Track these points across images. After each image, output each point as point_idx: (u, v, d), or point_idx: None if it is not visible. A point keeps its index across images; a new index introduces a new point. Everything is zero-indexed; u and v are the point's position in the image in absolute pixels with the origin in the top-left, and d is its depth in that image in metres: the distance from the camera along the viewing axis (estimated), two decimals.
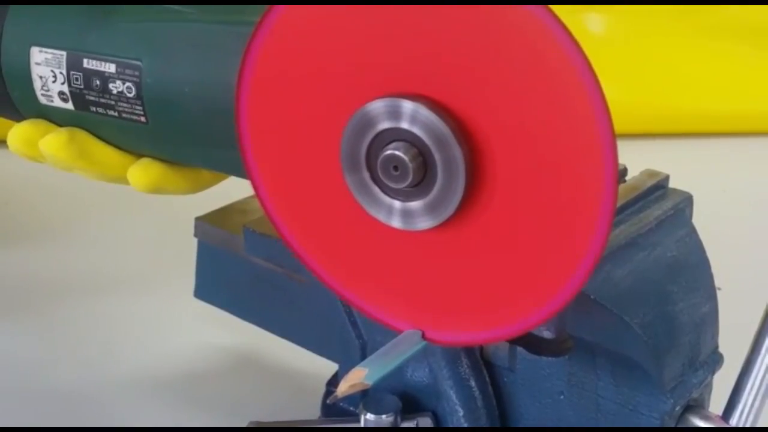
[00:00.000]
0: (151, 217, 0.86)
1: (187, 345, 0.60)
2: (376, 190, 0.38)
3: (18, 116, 0.53)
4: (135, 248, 0.84)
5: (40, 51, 0.50)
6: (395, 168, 0.36)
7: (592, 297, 0.42)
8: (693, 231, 0.48)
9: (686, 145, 0.99)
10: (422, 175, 0.36)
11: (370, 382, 0.38)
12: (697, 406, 0.45)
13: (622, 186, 0.48)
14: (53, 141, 0.49)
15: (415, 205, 0.37)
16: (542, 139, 0.34)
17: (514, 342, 0.47)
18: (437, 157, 0.35)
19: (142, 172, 0.49)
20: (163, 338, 0.61)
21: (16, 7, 0.51)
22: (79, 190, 0.86)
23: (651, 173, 0.50)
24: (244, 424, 0.53)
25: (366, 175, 0.38)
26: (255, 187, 0.42)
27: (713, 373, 0.46)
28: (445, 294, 0.39)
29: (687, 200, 0.49)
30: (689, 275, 0.46)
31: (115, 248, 0.84)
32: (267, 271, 0.58)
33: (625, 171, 0.50)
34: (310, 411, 0.56)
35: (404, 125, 0.36)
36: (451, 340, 0.40)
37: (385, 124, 0.36)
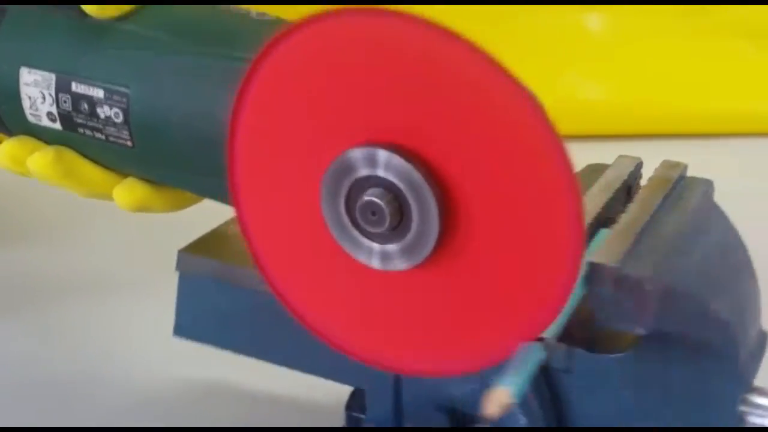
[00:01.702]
0: (149, 219, 0.83)
1: (187, 345, 0.58)
2: (356, 233, 0.39)
3: (7, 132, 0.52)
4: (133, 249, 0.83)
5: (29, 72, 0.50)
6: (373, 213, 0.38)
7: (678, 289, 0.42)
8: (724, 214, 0.49)
9: (687, 145, 1.02)
10: (399, 219, 0.38)
11: (514, 400, 0.37)
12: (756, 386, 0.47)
13: (654, 179, 0.49)
14: (40, 159, 0.50)
15: (393, 247, 0.39)
16: (509, 181, 0.37)
17: (573, 343, 0.47)
18: (411, 201, 0.37)
19: (127, 192, 0.51)
20: (162, 339, 0.59)
21: (7, 28, 0.51)
22: (69, 199, 0.85)
23: (671, 164, 0.51)
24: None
25: (345, 218, 0.39)
26: (240, 220, 0.43)
27: (765, 351, 0.48)
28: (424, 329, 0.41)
29: (710, 186, 0.50)
30: (735, 257, 0.47)
31: (113, 249, 0.84)
32: (269, 300, 0.55)
33: (641, 164, 0.51)
34: None
35: (380, 173, 0.37)
36: (431, 372, 0.42)
37: (363, 171, 0.38)
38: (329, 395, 0.58)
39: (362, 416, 0.54)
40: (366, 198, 0.38)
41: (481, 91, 0.35)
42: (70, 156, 0.51)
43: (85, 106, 0.49)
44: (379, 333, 0.42)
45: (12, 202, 0.92)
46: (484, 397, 0.48)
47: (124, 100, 0.48)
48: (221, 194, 0.46)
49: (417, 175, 0.37)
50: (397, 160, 0.37)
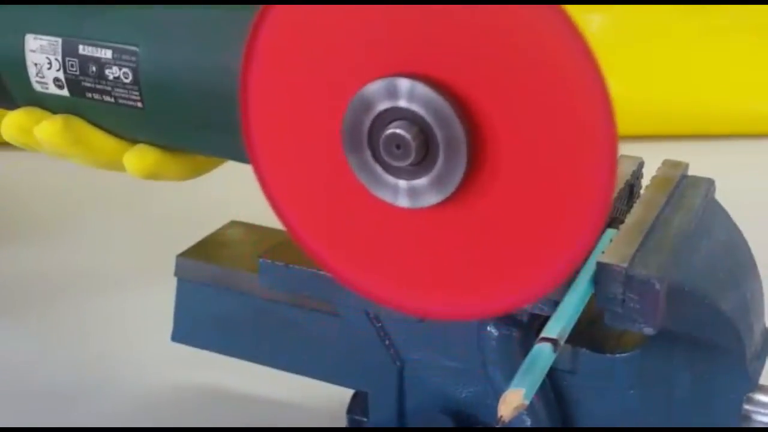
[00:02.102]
0: (146, 215, 0.86)
1: (185, 350, 0.59)
2: (379, 169, 0.38)
3: (11, 105, 0.51)
4: (131, 251, 0.83)
5: (35, 38, 0.49)
6: (397, 146, 0.37)
7: (686, 288, 0.42)
8: (727, 214, 0.49)
9: (687, 146, 1.02)
10: (424, 153, 0.37)
11: (527, 401, 0.36)
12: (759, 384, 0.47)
13: (657, 179, 0.49)
14: (48, 127, 0.49)
15: (418, 182, 0.38)
16: (542, 113, 0.35)
17: (579, 343, 0.47)
18: (438, 132, 0.36)
19: (137, 157, 0.49)
20: (160, 343, 0.60)
21: None
22: (72, 188, 0.89)
23: (673, 164, 0.51)
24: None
25: (368, 154, 0.38)
26: (258, 173, 0.42)
27: None
28: (451, 269, 0.40)
29: (712, 185, 0.50)
30: (740, 256, 0.47)
31: (110, 251, 0.83)
32: (269, 305, 0.55)
33: (642, 164, 0.51)
34: None
35: (403, 104, 0.36)
36: (457, 314, 0.41)
37: (385, 103, 0.37)
38: (330, 399, 0.58)
39: (365, 419, 0.53)
40: (390, 131, 0.37)
41: (517, 20, 0.34)
42: (79, 123, 0.49)
43: (93, 68, 0.48)
44: (405, 275, 0.41)
45: (8, 203, 0.91)
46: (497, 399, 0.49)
47: (133, 58, 0.47)
48: (234, 152, 0.46)
49: (444, 104, 0.35)
50: (423, 89, 0.36)
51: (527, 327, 0.46)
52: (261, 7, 0.38)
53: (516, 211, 0.37)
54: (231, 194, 0.70)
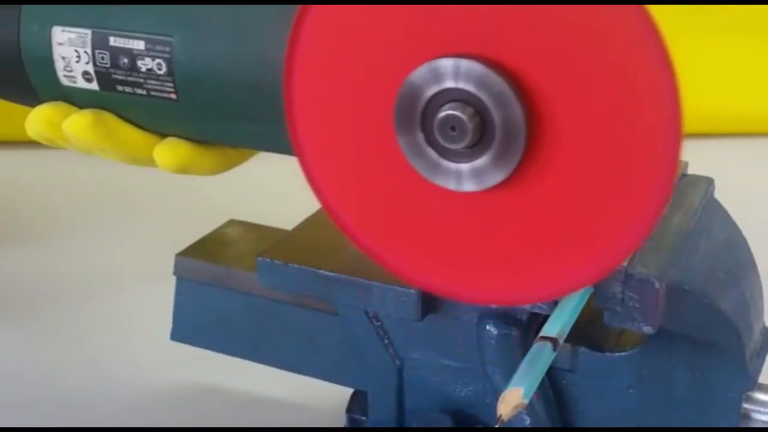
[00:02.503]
0: (144, 214, 0.85)
1: (185, 349, 0.59)
2: (431, 152, 0.37)
3: (35, 101, 0.50)
4: (128, 245, 0.83)
5: (63, 30, 0.48)
6: (452, 128, 0.36)
7: (686, 287, 0.42)
8: (727, 213, 0.49)
9: (687, 144, 1.02)
10: (480, 134, 0.36)
11: (527, 400, 0.36)
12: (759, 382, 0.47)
13: None
14: (79, 122, 0.48)
15: (474, 165, 0.37)
16: (605, 91, 0.35)
17: (578, 342, 0.47)
18: (494, 112, 0.35)
19: (169, 151, 0.48)
20: (159, 343, 0.60)
21: None
22: (69, 187, 0.89)
23: None
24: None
25: (421, 137, 0.37)
26: (301, 160, 0.41)
27: None
28: (503, 253, 0.39)
29: (711, 183, 0.50)
30: (739, 255, 0.47)
31: (109, 245, 0.83)
32: (268, 304, 0.55)
33: None
34: None
35: (458, 84, 0.35)
36: (512, 300, 0.41)
37: (438, 85, 0.36)
38: (329, 398, 0.58)
39: (364, 418, 0.53)
40: (444, 113, 0.36)
41: (593, 9, 0.33)
42: (109, 117, 0.48)
43: (125, 60, 0.46)
44: (458, 261, 0.40)
45: (5, 206, 0.91)
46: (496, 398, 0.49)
47: (167, 49, 0.45)
48: (275, 143, 0.45)
49: (500, 82, 0.35)
50: (478, 68, 0.35)
51: (526, 326, 0.46)
52: None
53: (575, 193, 0.37)
54: (230, 193, 0.70)
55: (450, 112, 0.36)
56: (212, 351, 0.58)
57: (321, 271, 0.48)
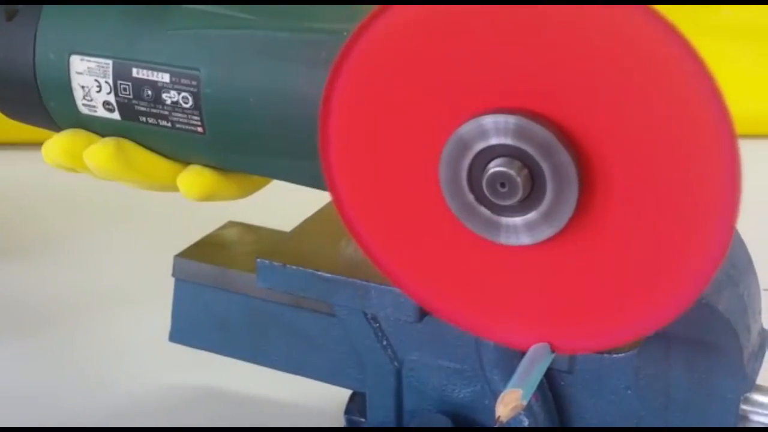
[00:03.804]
0: (141, 216, 0.86)
1: (183, 351, 0.59)
2: (484, 210, 0.37)
3: (53, 126, 0.49)
4: (126, 246, 0.83)
5: (82, 60, 0.46)
6: (502, 185, 0.35)
7: None
8: None
9: None
10: (530, 187, 0.35)
11: (525, 401, 0.36)
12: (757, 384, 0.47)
13: None
14: (100, 152, 0.47)
15: (524, 219, 0.36)
16: (656, 140, 0.34)
17: None
18: (544, 166, 0.35)
19: (194, 180, 0.47)
20: (158, 345, 0.60)
21: (50, 12, 0.47)
22: (64, 193, 0.87)
23: None
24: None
25: (471, 197, 0.37)
26: (337, 202, 0.40)
27: (765, 348, 0.48)
28: (564, 303, 0.39)
29: None
30: (736, 256, 0.47)
31: (107, 247, 0.83)
32: (267, 305, 0.55)
33: None
34: None
35: (505, 140, 0.35)
36: (575, 348, 0.40)
37: (482, 143, 0.35)
38: (327, 400, 0.58)
39: (362, 420, 0.53)
40: (492, 170, 0.35)
41: (631, 48, 0.33)
42: (130, 146, 0.47)
43: (149, 92, 0.45)
44: (509, 312, 0.39)
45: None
46: (494, 399, 0.49)
47: (194, 83, 0.44)
48: (306, 178, 0.44)
49: (548, 135, 0.34)
50: (527, 124, 0.34)
51: None
52: (354, 30, 0.36)
53: (629, 245, 0.36)
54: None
55: (498, 168, 0.35)
56: (211, 352, 0.58)
57: (319, 273, 0.48)
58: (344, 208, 0.40)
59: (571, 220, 0.36)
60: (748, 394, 0.46)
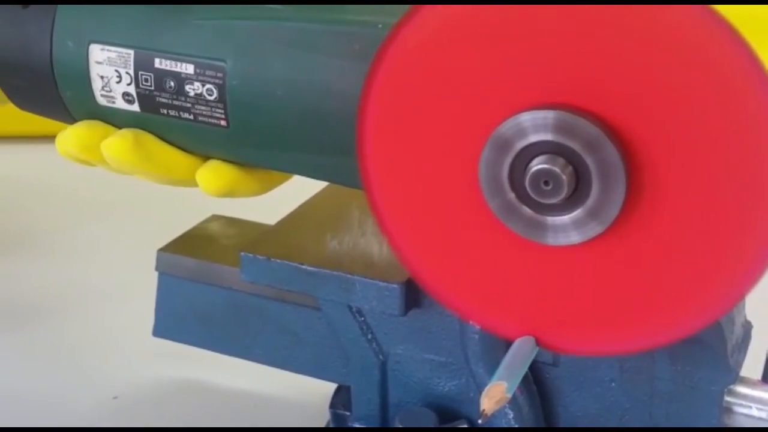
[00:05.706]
0: (128, 213, 0.86)
1: (167, 345, 0.59)
2: (526, 210, 0.36)
3: (67, 117, 0.48)
4: (112, 243, 0.82)
5: (102, 49, 0.45)
6: (546, 183, 0.35)
7: None
8: None
9: None
10: (575, 184, 0.35)
11: (510, 394, 0.36)
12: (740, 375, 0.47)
13: None
14: (119, 144, 0.45)
15: (570, 218, 0.36)
16: (706, 137, 0.34)
17: None
18: (590, 163, 0.34)
19: (214, 176, 0.46)
20: (141, 340, 0.60)
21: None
22: (58, 189, 0.88)
23: None
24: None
25: (512, 196, 0.36)
26: (372, 201, 0.39)
27: (749, 340, 0.48)
28: (606, 305, 0.38)
29: None
30: None
31: (92, 244, 0.83)
32: (251, 299, 0.55)
33: None
34: None
35: (543, 137, 0.34)
36: (598, 351, 0.40)
37: (522, 141, 0.35)
38: (312, 393, 0.58)
39: (347, 413, 0.53)
40: (535, 167, 0.34)
41: (687, 42, 0.32)
42: (149, 139, 0.46)
43: (172, 83, 0.44)
44: (550, 314, 0.39)
45: None
46: (480, 392, 0.49)
47: (220, 74, 0.43)
48: (330, 173, 0.44)
49: (594, 130, 0.33)
50: (570, 119, 0.34)
51: None
52: (395, 25, 0.36)
53: (676, 245, 0.35)
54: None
55: (542, 166, 0.34)
56: (194, 346, 0.58)
57: (304, 266, 0.48)
58: (378, 207, 0.39)
59: (617, 218, 0.35)
60: (732, 386, 0.46)
